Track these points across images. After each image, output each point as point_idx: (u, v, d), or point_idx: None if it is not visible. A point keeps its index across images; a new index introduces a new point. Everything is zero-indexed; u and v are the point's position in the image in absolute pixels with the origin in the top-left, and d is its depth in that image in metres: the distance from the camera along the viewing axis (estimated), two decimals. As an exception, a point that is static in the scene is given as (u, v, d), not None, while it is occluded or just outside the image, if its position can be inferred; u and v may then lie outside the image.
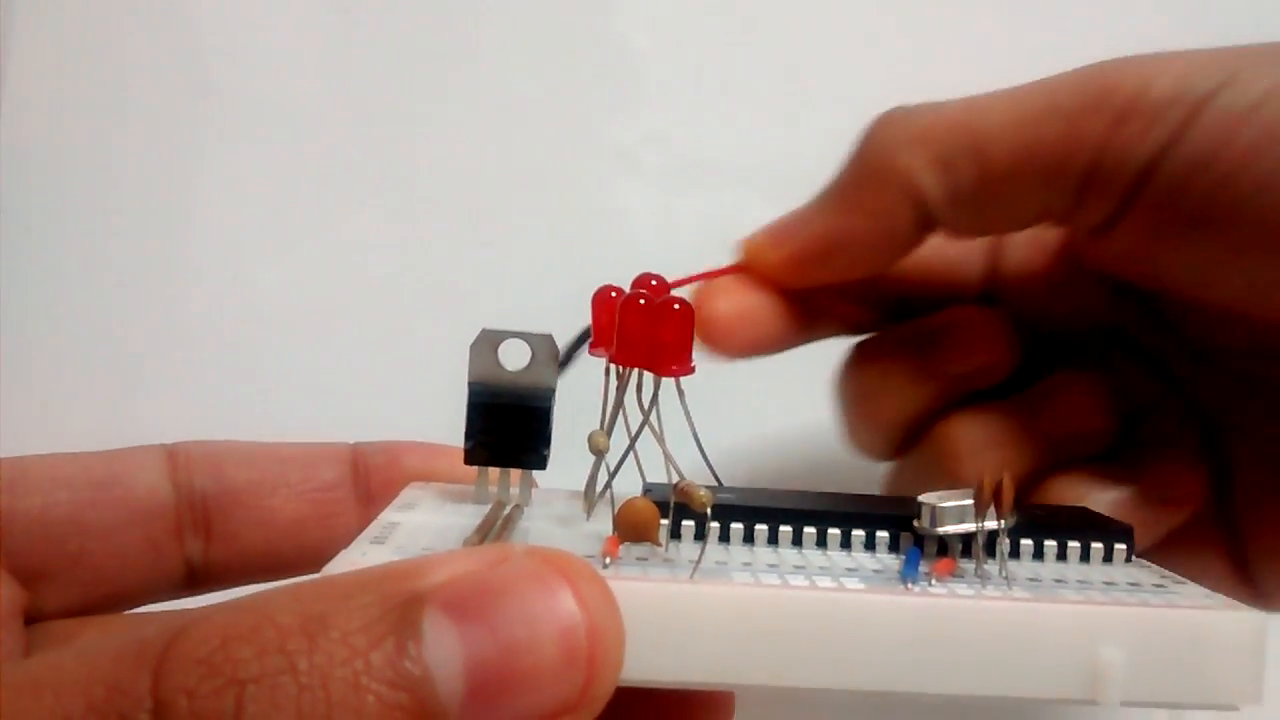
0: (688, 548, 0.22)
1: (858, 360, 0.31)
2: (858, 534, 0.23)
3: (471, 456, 0.25)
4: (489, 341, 0.25)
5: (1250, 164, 0.24)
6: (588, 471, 0.24)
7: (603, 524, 0.23)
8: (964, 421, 0.29)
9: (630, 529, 0.21)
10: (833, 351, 0.32)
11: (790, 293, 0.30)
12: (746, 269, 0.29)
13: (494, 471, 0.25)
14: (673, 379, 0.22)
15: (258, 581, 0.28)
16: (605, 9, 0.46)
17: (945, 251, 0.30)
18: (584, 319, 0.25)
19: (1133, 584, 0.21)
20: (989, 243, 0.31)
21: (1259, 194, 0.24)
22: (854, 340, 0.32)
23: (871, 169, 0.27)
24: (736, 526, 0.23)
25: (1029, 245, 0.31)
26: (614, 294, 0.24)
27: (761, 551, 0.22)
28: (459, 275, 0.44)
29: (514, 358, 0.25)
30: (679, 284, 0.26)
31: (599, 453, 0.23)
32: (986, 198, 0.27)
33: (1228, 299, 0.26)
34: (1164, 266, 0.26)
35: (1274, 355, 0.28)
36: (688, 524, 0.22)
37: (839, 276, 0.29)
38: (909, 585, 0.20)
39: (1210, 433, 0.29)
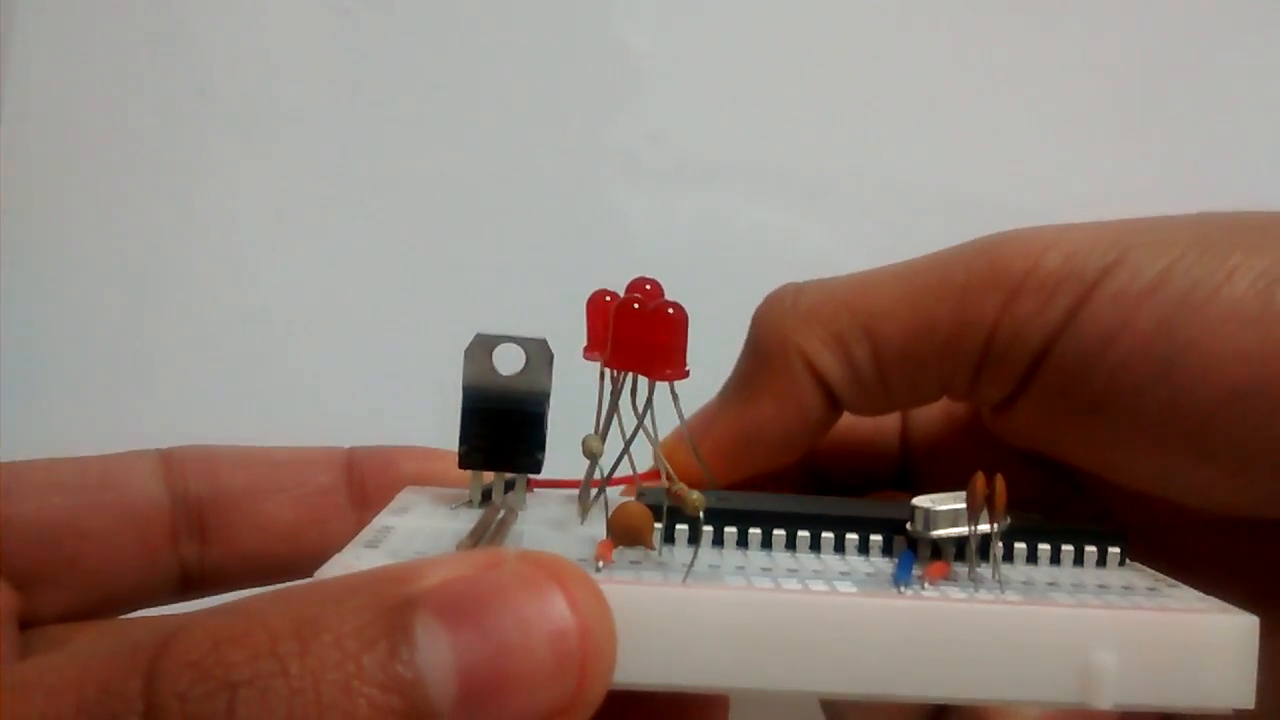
0: (681, 551, 0.22)
1: None
2: (851, 537, 0.23)
3: (466, 460, 0.25)
4: (483, 346, 0.25)
5: (1147, 352, 0.23)
6: (582, 475, 0.24)
7: (597, 528, 0.23)
8: None
9: (624, 532, 0.21)
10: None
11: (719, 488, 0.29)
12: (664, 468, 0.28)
13: (488, 475, 0.25)
14: (667, 383, 0.22)
15: (253, 585, 0.28)
16: (603, 10, 0.46)
17: (862, 430, 0.30)
18: (580, 322, 0.25)
19: (1126, 587, 0.21)
20: (899, 416, 0.31)
21: (1156, 382, 0.23)
22: None
23: (769, 352, 0.27)
24: (730, 530, 0.23)
25: (939, 417, 0.30)
26: (609, 298, 0.24)
27: (755, 555, 0.22)
28: (455, 278, 0.44)
29: (508, 362, 0.25)
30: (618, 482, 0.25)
31: (593, 456, 0.23)
32: (883, 376, 0.26)
33: (1132, 479, 0.25)
34: (1067, 444, 0.26)
35: (1191, 531, 0.27)
36: (681, 527, 0.22)
37: (758, 468, 0.28)
38: (902, 589, 0.20)
39: None
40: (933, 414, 0.30)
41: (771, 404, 0.27)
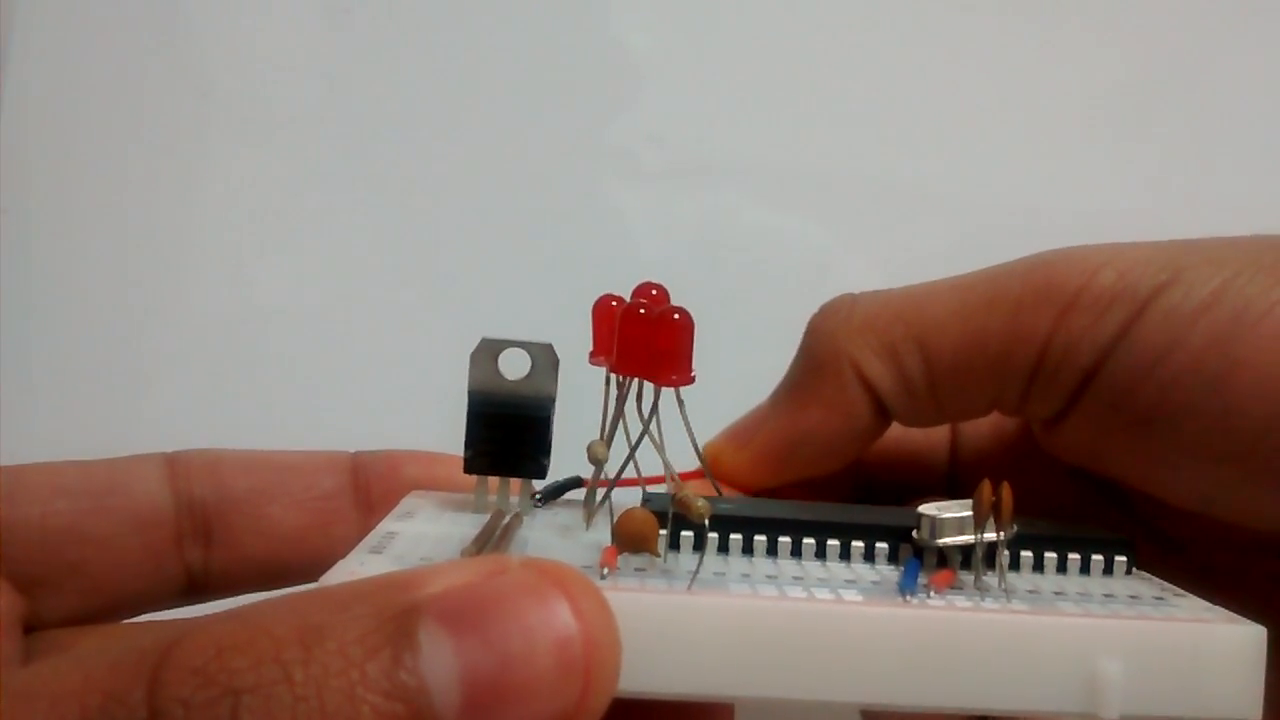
0: (686, 558, 0.22)
1: None
2: (857, 545, 0.23)
3: (471, 465, 0.25)
4: (489, 351, 0.25)
5: (1198, 369, 0.23)
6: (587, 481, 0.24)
7: (602, 534, 0.23)
8: None
9: (629, 539, 0.21)
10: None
11: (757, 493, 0.29)
12: (709, 473, 0.28)
13: (494, 480, 0.25)
14: (672, 389, 0.22)
15: (258, 590, 0.28)
16: (602, 11, 0.46)
17: (911, 440, 0.30)
18: (585, 326, 0.25)
19: (1133, 596, 0.21)
20: (949, 428, 0.31)
21: (1207, 399, 0.23)
22: None
23: (821, 360, 0.27)
24: (735, 537, 0.22)
25: (989, 431, 0.30)
26: (614, 303, 0.24)
27: (760, 562, 0.22)
28: (459, 281, 0.44)
29: (514, 367, 0.25)
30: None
31: (598, 462, 0.23)
32: (933, 388, 0.26)
33: (1182, 497, 0.25)
34: (1117, 461, 0.26)
35: (1241, 551, 0.27)
36: (686, 534, 0.22)
37: (804, 473, 0.28)
38: (907, 597, 0.20)
39: None
40: (982, 428, 0.30)
41: (820, 411, 0.27)
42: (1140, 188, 0.46)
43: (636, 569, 0.21)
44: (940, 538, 0.22)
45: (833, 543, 0.23)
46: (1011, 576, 0.22)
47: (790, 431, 0.28)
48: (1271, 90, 0.46)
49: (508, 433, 0.25)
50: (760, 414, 0.29)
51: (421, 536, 0.23)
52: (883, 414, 0.27)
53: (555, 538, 0.23)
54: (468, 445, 0.25)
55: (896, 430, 0.28)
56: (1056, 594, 0.21)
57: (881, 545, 0.23)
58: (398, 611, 0.16)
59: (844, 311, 0.27)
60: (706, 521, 0.21)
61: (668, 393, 0.22)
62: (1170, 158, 0.46)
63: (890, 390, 0.26)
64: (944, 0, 0.47)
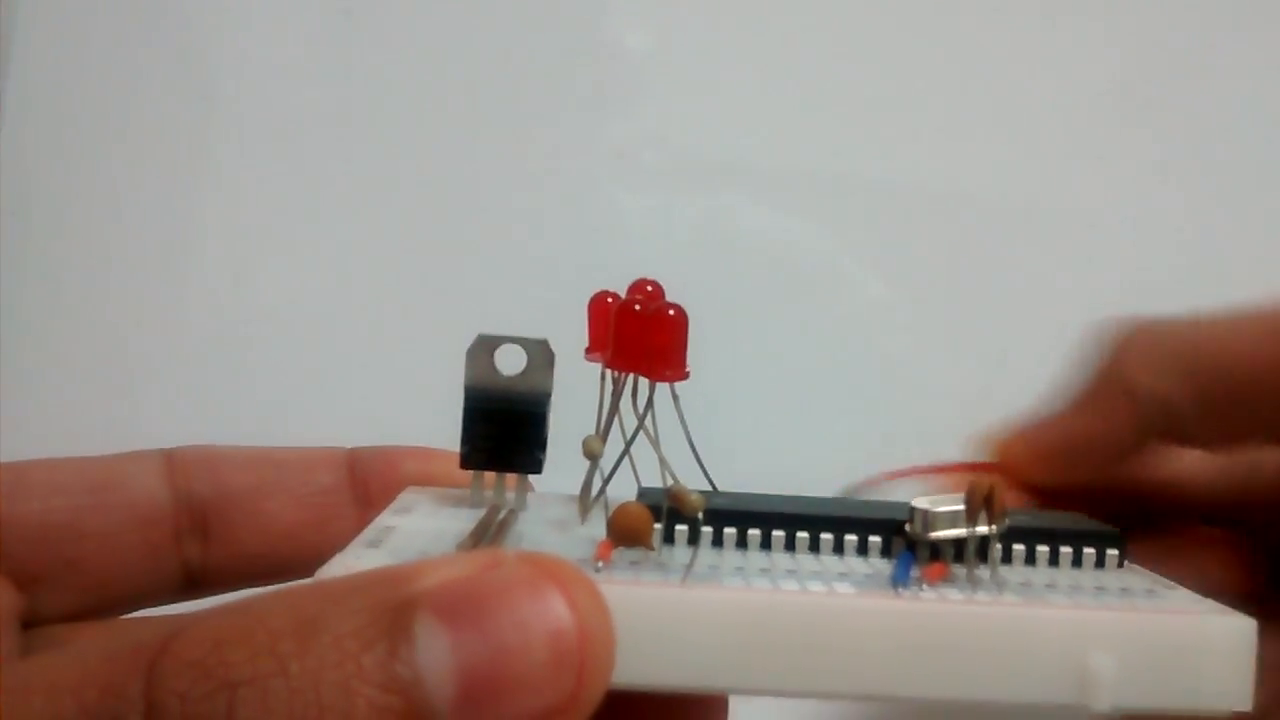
0: (681, 552, 0.22)
1: None
2: (850, 539, 0.23)
3: (467, 461, 0.25)
4: (485, 346, 0.25)
5: None
6: (583, 476, 0.24)
7: (597, 528, 0.23)
8: None
9: (623, 533, 0.21)
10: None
11: (1038, 494, 0.29)
12: (996, 467, 0.30)
13: (490, 475, 0.25)
14: (667, 384, 0.22)
15: (255, 585, 0.28)
16: (600, 11, 0.46)
17: (1187, 465, 0.30)
18: (581, 323, 0.25)
19: (1124, 589, 0.21)
20: (1240, 461, 0.30)
21: None
22: None
23: (1101, 374, 0.28)
24: (729, 531, 0.23)
25: None
26: (610, 299, 0.24)
27: (754, 556, 0.22)
28: (456, 279, 0.44)
29: (510, 362, 0.25)
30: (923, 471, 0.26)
31: (593, 457, 0.23)
32: (1211, 412, 0.26)
33: None
34: None
35: None
36: (681, 528, 0.22)
37: (1079, 474, 0.29)
38: (900, 590, 0.20)
39: None
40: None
41: (1094, 420, 0.28)
42: (1141, 186, 0.46)
43: (631, 563, 0.21)
44: (933, 531, 0.22)
45: (826, 536, 0.23)
46: (1003, 569, 0.22)
47: (1066, 434, 0.29)
48: (1271, 90, 0.47)
49: (504, 428, 0.25)
50: (1047, 416, 0.30)
51: (418, 531, 0.23)
52: (1156, 433, 0.27)
53: (550, 532, 0.23)
54: (464, 441, 0.25)
55: (1186, 458, 0.29)
56: (1048, 586, 0.21)
57: (874, 539, 0.23)
58: (394, 605, 0.16)
59: (1133, 327, 0.28)
60: (701, 515, 0.21)
61: (663, 388, 0.23)
62: (1174, 158, 0.46)
63: (1164, 410, 0.27)
64: (946, 2, 0.47)
